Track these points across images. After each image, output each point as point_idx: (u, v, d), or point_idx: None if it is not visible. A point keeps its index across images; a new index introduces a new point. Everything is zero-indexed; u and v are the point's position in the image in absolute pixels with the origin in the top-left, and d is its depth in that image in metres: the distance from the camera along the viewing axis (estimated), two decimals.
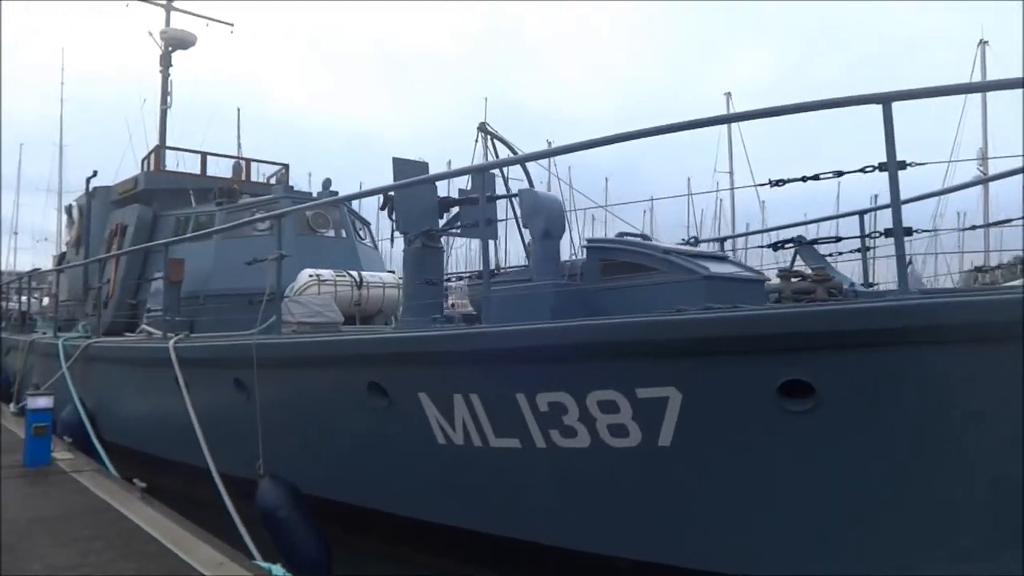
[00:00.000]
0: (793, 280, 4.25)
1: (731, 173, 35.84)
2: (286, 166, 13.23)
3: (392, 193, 8.48)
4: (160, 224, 11.62)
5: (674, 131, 4.17)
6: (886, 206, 3.86)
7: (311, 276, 9.13)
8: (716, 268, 4.75)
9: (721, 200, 36.61)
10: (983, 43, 31.58)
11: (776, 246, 5.63)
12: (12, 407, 11.13)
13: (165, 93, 14.89)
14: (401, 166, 8.53)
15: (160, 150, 12.20)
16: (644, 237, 5.55)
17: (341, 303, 8.64)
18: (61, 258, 15.80)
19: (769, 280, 5.05)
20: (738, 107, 38.18)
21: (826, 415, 3.74)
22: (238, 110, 15.79)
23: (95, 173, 12.82)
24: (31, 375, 11.48)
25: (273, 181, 13.28)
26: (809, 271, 4.49)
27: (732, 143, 37.24)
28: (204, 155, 12.32)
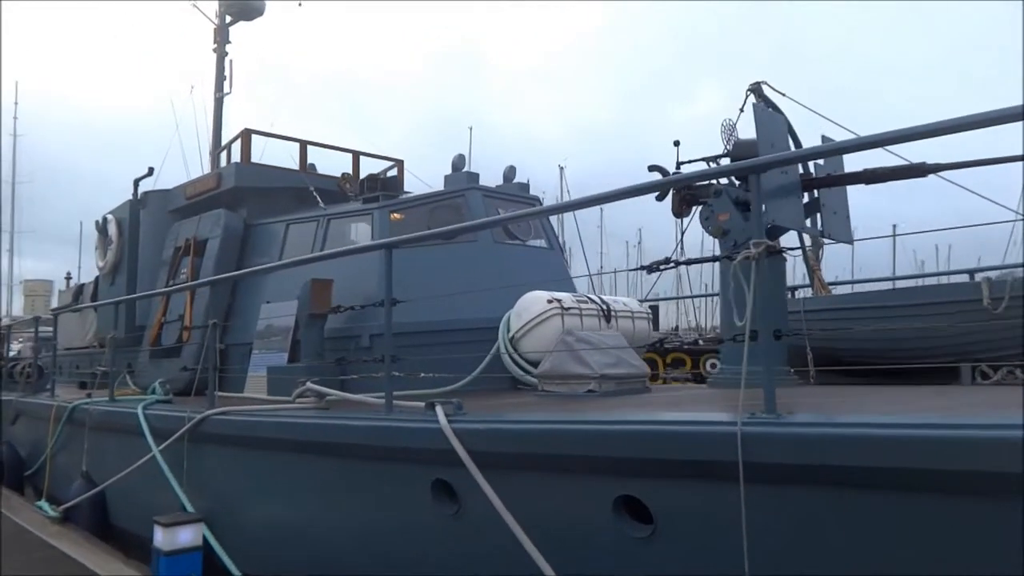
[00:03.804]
0: None
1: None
2: (400, 162, 10.05)
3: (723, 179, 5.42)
4: (255, 236, 8.31)
5: None
6: None
7: (551, 302, 6.01)
8: None
9: None
10: None
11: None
12: (48, 507, 7.56)
13: (221, 78, 11.65)
14: (764, 117, 5.50)
15: (248, 135, 8.83)
16: None
17: None
18: (79, 290, 12.20)
19: None
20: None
21: None
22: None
23: (150, 171, 9.47)
24: (72, 455, 7.95)
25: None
26: None
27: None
28: (304, 143, 9.02)
